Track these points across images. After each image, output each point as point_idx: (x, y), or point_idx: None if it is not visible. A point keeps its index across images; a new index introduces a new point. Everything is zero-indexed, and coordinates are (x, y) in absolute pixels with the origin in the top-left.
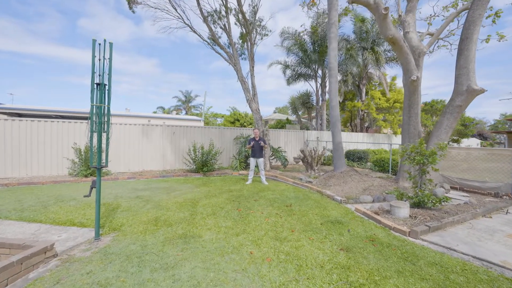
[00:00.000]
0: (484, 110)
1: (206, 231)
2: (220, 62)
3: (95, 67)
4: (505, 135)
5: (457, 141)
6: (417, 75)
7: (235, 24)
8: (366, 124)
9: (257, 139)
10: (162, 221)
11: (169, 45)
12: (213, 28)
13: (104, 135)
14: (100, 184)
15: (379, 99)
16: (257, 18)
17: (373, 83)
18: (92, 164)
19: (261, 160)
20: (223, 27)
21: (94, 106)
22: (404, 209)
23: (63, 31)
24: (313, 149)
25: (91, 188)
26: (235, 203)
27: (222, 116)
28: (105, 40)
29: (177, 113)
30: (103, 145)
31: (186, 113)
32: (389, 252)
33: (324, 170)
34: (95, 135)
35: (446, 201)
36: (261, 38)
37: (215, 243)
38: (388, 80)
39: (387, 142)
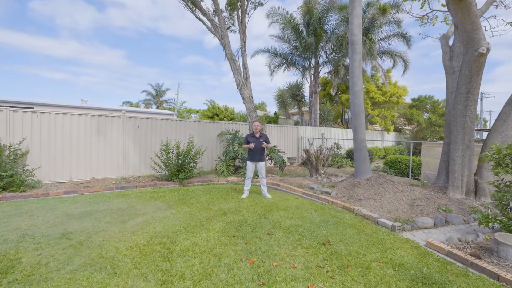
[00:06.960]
0: None
1: None
2: (193, 56)
3: None
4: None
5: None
6: (487, 47)
7: None
8: None
9: (257, 135)
10: None
11: (137, 36)
12: None
13: None
14: None
15: (374, 92)
16: None
17: (365, 77)
18: None
19: (261, 164)
20: None
21: None
22: None
23: (11, 13)
24: (319, 149)
25: None
26: (238, 240)
27: (197, 112)
28: None
29: (146, 107)
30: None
31: (158, 108)
32: None
33: (328, 173)
34: None
35: None
36: (254, 8)
37: None
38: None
39: (380, 139)
